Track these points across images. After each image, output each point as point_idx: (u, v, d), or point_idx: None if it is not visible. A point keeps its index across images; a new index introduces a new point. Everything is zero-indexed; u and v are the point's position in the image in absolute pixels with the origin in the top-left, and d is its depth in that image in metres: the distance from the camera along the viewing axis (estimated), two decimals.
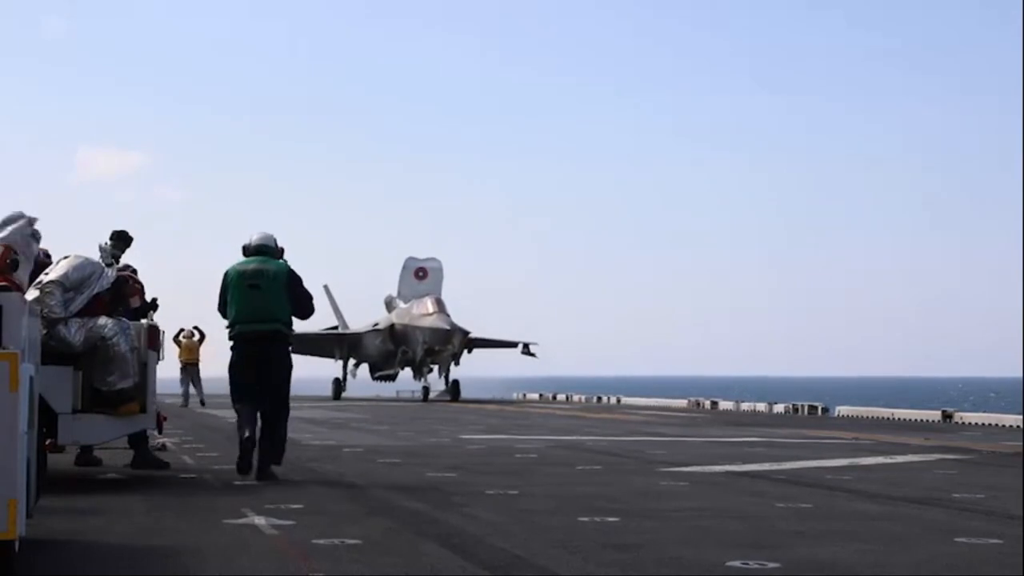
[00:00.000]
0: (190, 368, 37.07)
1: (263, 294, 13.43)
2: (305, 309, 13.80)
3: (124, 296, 13.58)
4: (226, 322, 13.75)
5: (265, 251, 13.71)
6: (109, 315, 12.67)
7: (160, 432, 15.70)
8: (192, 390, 37.12)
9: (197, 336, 36.88)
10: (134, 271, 14.94)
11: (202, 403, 36.16)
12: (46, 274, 12.62)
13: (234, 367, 13.67)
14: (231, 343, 13.72)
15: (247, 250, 13.80)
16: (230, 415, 15.38)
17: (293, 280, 13.56)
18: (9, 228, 11.44)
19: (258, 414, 13.48)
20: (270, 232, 13.90)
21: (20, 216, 11.60)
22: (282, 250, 13.90)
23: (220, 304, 13.78)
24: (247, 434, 13.26)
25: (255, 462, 13.26)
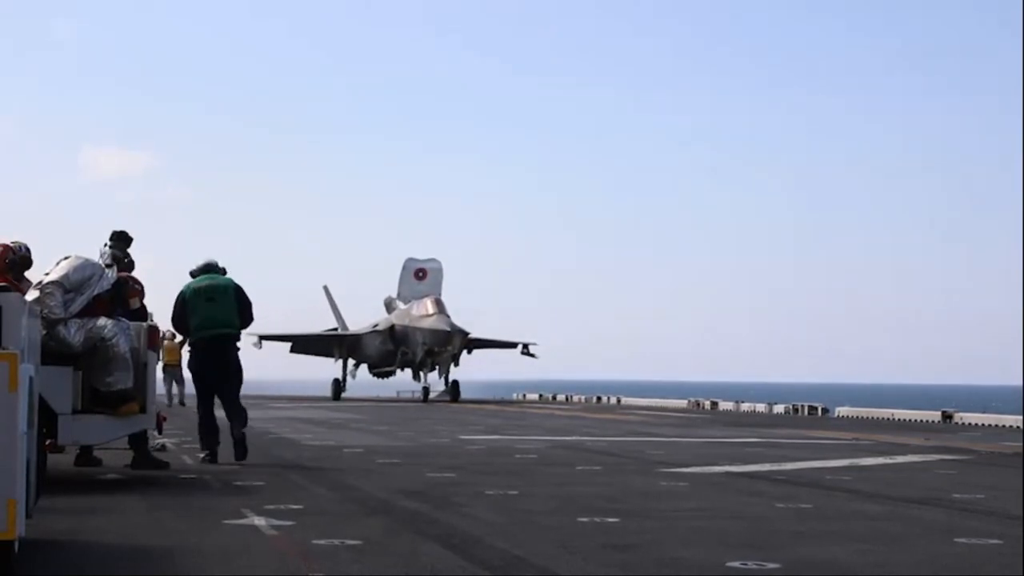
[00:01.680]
0: (171, 369, 37.27)
1: (219, 305, 15.74)
2: (248, 317, 16.09)
3: (124, 297, 13.57)
4: (188, 331, 15.92)
5: (211, 270, 16.00)
6: (109, 316, 12.68)
7: (160, 432, 15.77)
8: (174, 390, 37.39)
9: (180, 337, 36.95)
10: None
11: (182, 403, 36.24)
12: (46, 275, 12.62)
13: (198, 365, 15.96)
14: (192, 347, 16.09)
15: (194, 273, 15.95)
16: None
17: (240, 292, 15.93)
18: None
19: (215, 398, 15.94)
20: (212, 257, 16.14)
21: None
22: (223, 269, 16.07)
23: (177, 318, 15.79)
24: (214, 419, 15.59)
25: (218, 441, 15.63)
